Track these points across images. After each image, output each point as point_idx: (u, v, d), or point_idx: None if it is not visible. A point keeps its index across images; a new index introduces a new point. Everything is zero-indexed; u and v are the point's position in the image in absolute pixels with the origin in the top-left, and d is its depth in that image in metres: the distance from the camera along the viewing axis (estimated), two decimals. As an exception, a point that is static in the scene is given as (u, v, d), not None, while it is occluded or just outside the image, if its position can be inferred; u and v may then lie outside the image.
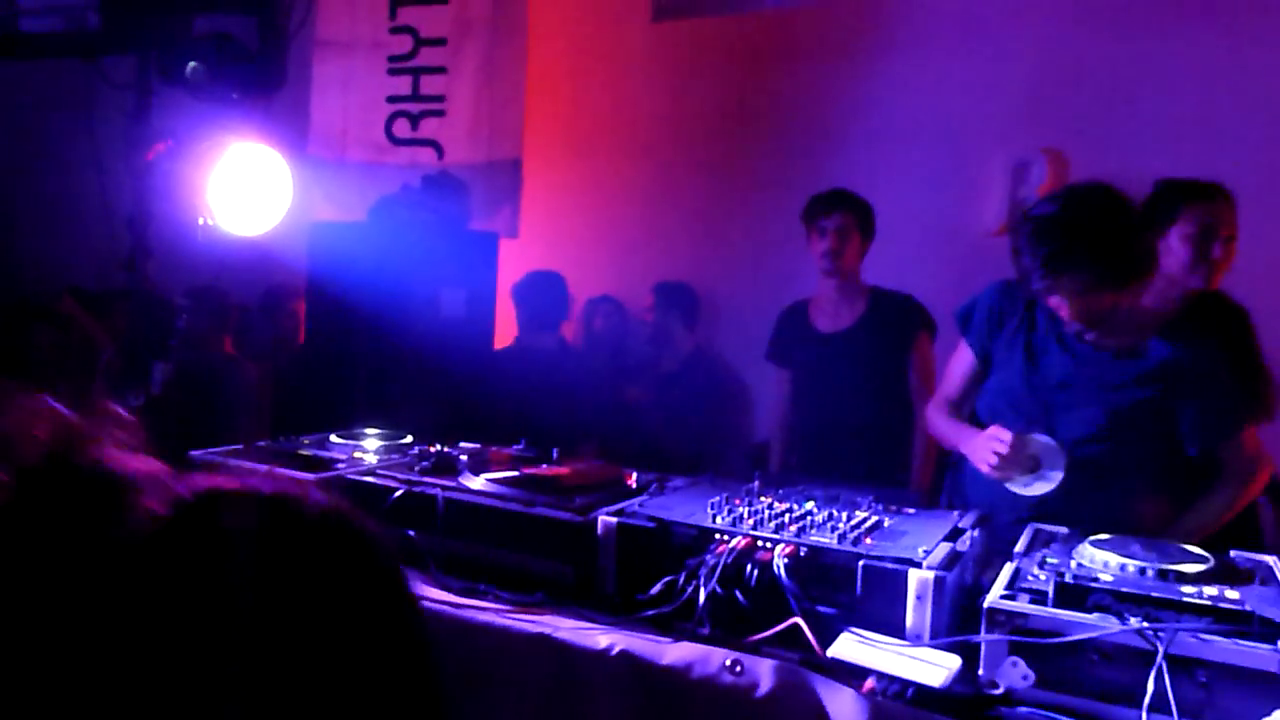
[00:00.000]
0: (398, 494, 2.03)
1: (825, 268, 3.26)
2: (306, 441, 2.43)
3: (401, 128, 4.55)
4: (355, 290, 3.31)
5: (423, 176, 4.01)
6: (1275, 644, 1.32)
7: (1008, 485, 2.17)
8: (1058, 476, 2.12)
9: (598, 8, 4.67)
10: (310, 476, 2.12)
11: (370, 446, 2.38)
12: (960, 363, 2.47)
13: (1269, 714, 1.28)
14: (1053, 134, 3.75)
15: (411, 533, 1.98)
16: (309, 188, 3.56)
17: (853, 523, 1.79)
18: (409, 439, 2.47)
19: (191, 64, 2.29)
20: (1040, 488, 2.13)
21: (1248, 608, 1.42)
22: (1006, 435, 2.13)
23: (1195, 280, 2.54)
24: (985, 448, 2.16)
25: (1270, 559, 1.71)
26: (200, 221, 2.36)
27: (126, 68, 2.61)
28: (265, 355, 4.19)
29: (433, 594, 1.81)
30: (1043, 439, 2.16)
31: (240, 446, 2.35)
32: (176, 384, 2.73)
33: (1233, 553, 1.75)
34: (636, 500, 1.95)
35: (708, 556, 1.69)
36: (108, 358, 3.16)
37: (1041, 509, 2.12)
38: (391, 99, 4.56)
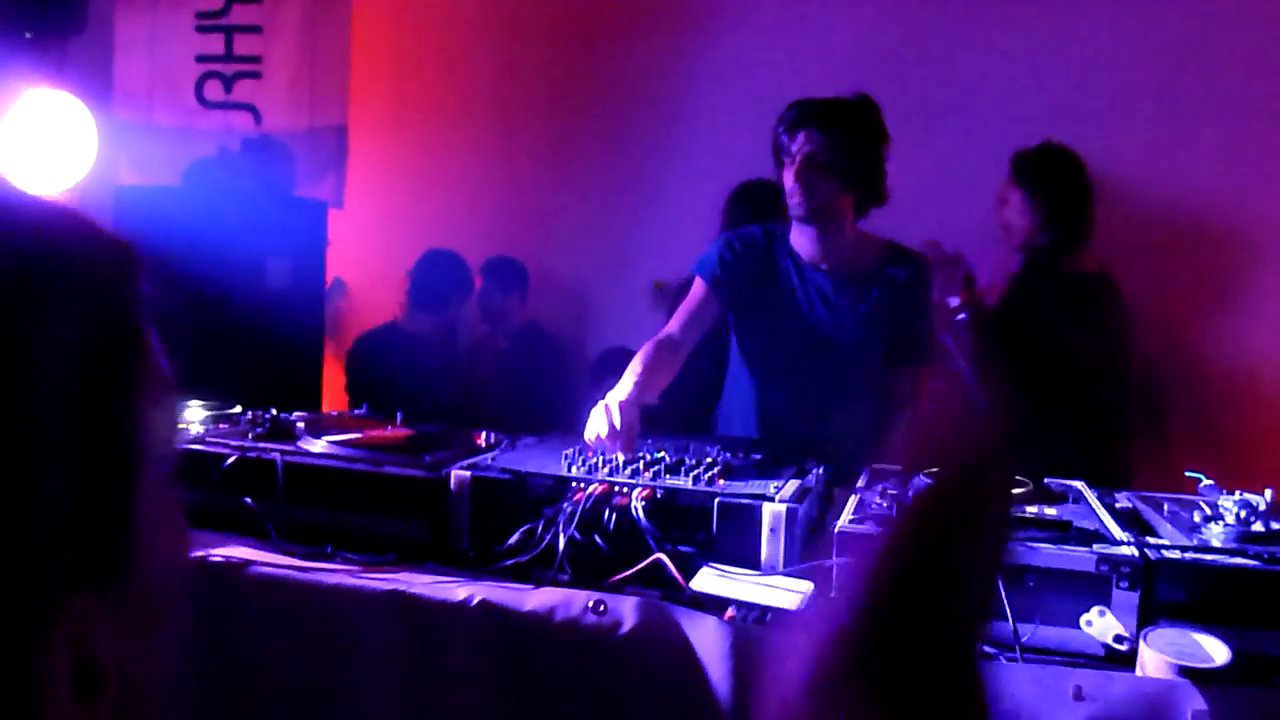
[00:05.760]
0: (230, 460, 1.91)
1: None
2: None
3: (214, 90, 4.24)
4: (170, 259, 3.07)
5: (242, 140, 3.77)
6: (1090, 547, 1.45)
7: None
8: None
9: (425, -29, 4.51)
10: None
11: (194, 416, 2.23)
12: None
13: (1088, 610, 1.40)
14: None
15: (249, 500, 1.87)
16: (114, 149, 3.28)
17: (704, 466, 1.83)
18: (237, 408, 2.32)
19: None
20: None
21: (1066, 520, 1.55)
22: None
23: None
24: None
25: (1079, 484, 1.88)
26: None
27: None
28: None
29: (276, 559, 1.72)
30: None
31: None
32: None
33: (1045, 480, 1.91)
34: (488, 455, 1.92)
35: (565, 504, 1.69)
36: None
37: None
38: (201, 58, 4.24)
